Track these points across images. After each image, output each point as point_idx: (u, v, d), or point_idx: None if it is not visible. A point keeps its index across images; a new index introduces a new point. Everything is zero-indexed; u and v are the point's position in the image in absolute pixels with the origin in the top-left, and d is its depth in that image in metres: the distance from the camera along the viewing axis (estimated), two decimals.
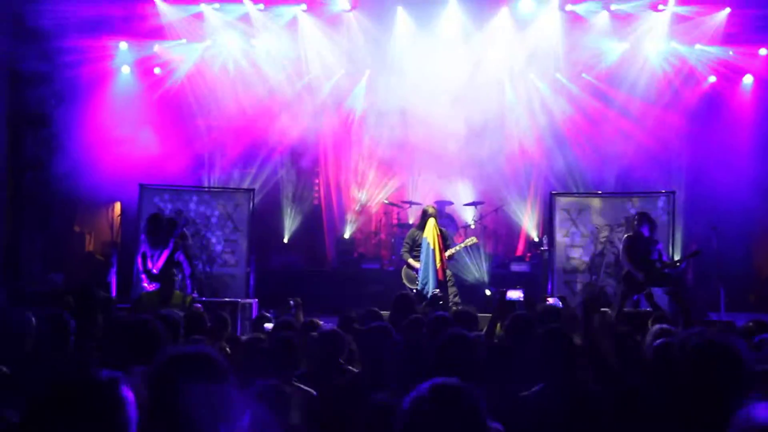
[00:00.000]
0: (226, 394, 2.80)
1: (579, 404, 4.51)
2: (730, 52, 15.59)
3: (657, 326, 6.22)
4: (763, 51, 15.48)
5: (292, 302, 8.02)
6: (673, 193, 13.56)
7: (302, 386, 5.22)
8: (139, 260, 11.54)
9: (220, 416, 2.73)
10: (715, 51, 15.61)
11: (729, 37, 15.28)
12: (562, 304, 8.77)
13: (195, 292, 11.50)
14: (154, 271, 11.17)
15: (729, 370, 3.11)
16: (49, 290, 12.53)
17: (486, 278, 14.53)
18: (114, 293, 12.82)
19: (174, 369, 2.80)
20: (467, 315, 7.00)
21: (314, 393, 5.15)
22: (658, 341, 5.62)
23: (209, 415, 2.70)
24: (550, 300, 9.82)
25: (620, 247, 11.93)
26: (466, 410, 2.56)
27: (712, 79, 15.88)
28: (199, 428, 2.68)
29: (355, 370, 5.82)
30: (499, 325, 7.08)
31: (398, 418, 2.61)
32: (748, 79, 15.87)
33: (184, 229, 11.85)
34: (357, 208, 16.93)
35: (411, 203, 16.07)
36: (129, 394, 2.38)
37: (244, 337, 7.22)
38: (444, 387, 2.59)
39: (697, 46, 15.61)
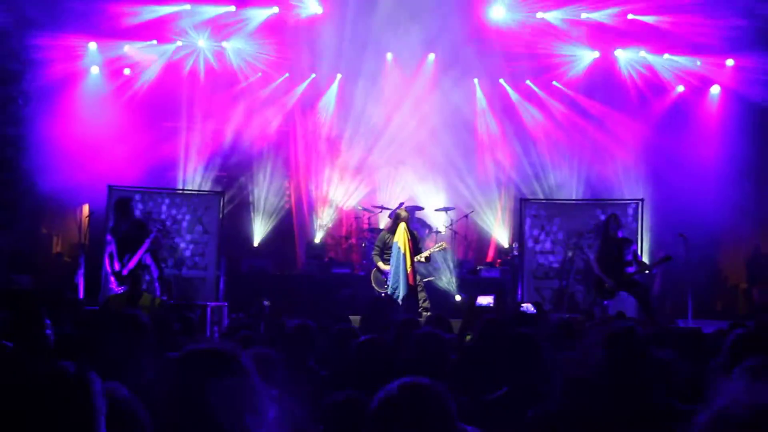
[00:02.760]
0: (250, 388, 2.74)
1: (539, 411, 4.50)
2: (698, 63, 15.78)
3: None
4: (730, 62, 15.68)
5: (266, 302, 7.97)
6: (642, 200, 13.68)
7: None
8: (107, 260, 11.41)
9: (245, 409, 2.69)
10: (683, 61, 15.80)
11: (697, 47, 15.46)
12: (536, 309, 8.77)
13: (164, 294, 11.39)
14: (124, 272, 11.06)
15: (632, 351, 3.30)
16: (15, 291, 12.34)
17: (455, 284, 14.55)
18: (81, 295, 12.66)
19: (197, 365, 2.76)
20: (442, 320, 6.99)
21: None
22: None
23: (234, 410, 2.66)
24: (524, 306, 9.83)
25: (590, 253, 12.02)
26: (436, 410, 2.51)
27: (681, 88, 16.07)
28: (225, 423, 2.63)
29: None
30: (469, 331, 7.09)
31: (367, 416, 2.58)
32: (715, 90, 16.06)
33: (157, 233, 11.73)
34: (327, 217, 16.88)
35: (382, 208, 16.06)
36: (97, 385, 2.35)
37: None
38: (414, 385, 2.55)
39: (666, 56, 15.79)
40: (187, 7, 15.48)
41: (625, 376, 3.56)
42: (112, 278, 11.27)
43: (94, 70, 15.84)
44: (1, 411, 2.24)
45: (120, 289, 10.90)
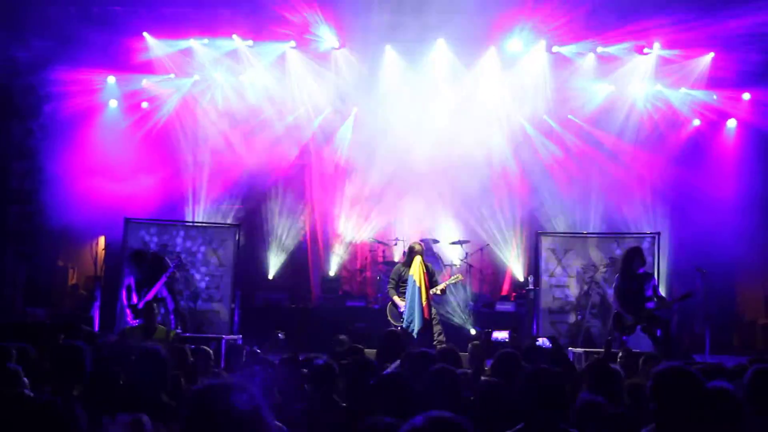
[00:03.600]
0: (260, 422, 2.79)
1: None
2: (714, 96, 15.77)
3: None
4: (746, 95, 15.67)
5: (281, 335, 7.93)
6: (659, 234, 13.59)
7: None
8: (124, 294, 11.45)
9: None
10: (699, 95, 15.80)
11: (713, 81, 15.46)
12: (552, 344, 8.71)
13: (179, 327, 11.41)
14: (140, 305, 11.09)
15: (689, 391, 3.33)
16: (29, 323, 12.36)
17: (470, 318, 14.50)
18: (97, 328, 12.69)
19: (213, 398, 2.79)
20: (450, 353, 6.94)
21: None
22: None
23: None
24: (540, 341, 9.75)
25: (609, 288, 11.92)
26: None
27: (697, 122, 16.04)
28: None
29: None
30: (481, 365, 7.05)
31: None
32: (731, 123, 16.03)
33: (174, 267, 11.79)
34: (342, 251, 16.87)
35: (397, 240, 16.05)
36: (80, 413, 2.50)
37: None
38: (440, 419, 2.57)
39: (682, 90, 15.79)
40: (205, 41, 15.60)
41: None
42: (128, 311, 11.31)
43: (113, 103, 15.99)
44: None
45: (135, 322, 10.94)
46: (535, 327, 13.27)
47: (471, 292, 15.26)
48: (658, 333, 11.01)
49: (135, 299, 11.38)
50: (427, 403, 4.55)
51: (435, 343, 11.30)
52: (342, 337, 9.66)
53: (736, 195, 15.11)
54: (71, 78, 15.00)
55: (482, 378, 6.82)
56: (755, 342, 15.16)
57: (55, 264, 15.93)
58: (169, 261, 11.93)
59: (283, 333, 8.19)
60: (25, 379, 5.09)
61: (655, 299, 11.23)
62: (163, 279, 11.42)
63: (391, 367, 6.51)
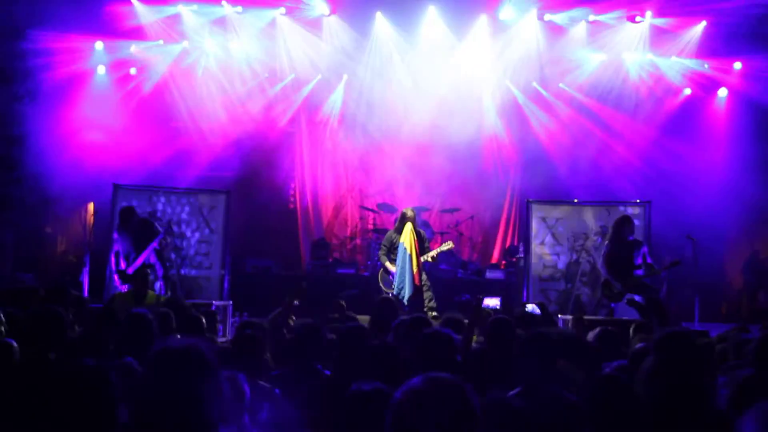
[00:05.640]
0: (216, 387, 2.86)
1: (555, 410, 4.47)
2: (706, 65, 15.74)
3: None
4: (737, 65, 15.65)
5: (296, 303, 7.87)
6: (649, 202, 13.60)
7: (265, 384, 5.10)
8: (113, 259, 11.42)
9: (212, 408, 2.82)
10: (690, 63, 15.76)
11: (705, 50, 15.43)
12: (541, 311, 8.73)
13: (168, 292, 11.39)
14: (129, 271, 11.07)
15: (692, 355, 3.32)
16: (19, 288, 12.31)
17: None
18: (86, 293, 12.64)
19: (168, 363, 2.86)
20: (455, 321, 6.94)
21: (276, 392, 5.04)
22: (638, 345, 5.66)
23: (201, 407, 2.79)
24: (529, 307, 9.77)
25: (599, 255, 11.94)
26: (462, 403, 2.52)
27: (688, 91, 16.03)
28: (192, 419, 2.76)
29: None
30: (476, 332, 7.05)
31: (391, 408, 2.56)
32: (722, 92, 16.01)
33: (164, 233, 11.76)
34: (332, 214, 16.85)
35: (386, 206, 16.04)
36: (114, 378, 2.65)
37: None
38: (439, 380, 2.56)
39: (674, 58, 15.75)
40: (194, 7, 15.44)
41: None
42: (116, 276, 11.29)
43: (101, 69, 15.81)
44: (34, 407, 2.56)
45: (124, 288, 10.93)
46: (525, 294, 13.30)
47: (461, 260, 15.27)
48: (640, 299, 11.02)
49: (123, 265, 11.36)
50: (421, 367, 4.56)
51: (425, 309, 11.34)
52: (342, 302, 9.67)
53: (727, 164, 15.14)
54: (58, 43, 14.80)
55: (474, 344, 6.84)
56: (741, 310, 15.27)
57: (43, 231, 15.84)
58: (158, 227, 11.88)
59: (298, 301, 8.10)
60: (14, 343, 5.06)
61: (644, 267, 11.25)
62: (153, 245, 11.39)
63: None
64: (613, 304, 11.65)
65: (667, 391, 3.74)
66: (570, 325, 9.31)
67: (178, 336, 5.55)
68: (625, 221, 11.45)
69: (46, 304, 5.60)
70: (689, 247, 12.40)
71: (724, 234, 15.13)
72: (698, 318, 12.12)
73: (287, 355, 6.13)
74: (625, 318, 10.89)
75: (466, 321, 6.82)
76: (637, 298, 10.93)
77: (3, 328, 5.64)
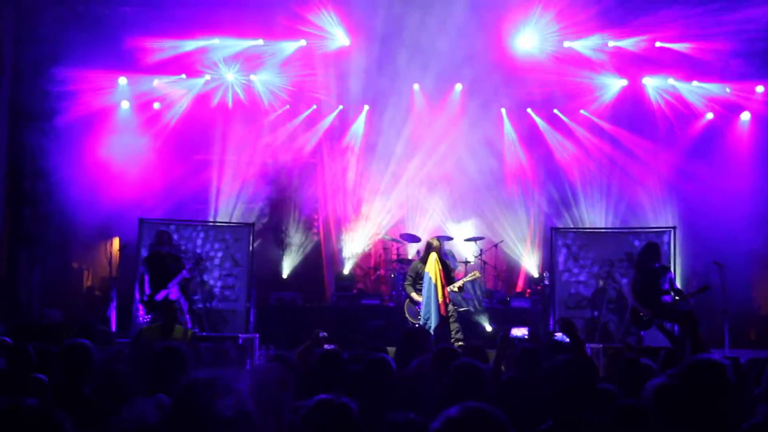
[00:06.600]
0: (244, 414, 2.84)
1: None
2: (728, 89, 15.69)
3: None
4: (760, 88, 15.58)
5: (322, 333, 7.86)
6: (674, 228, 13.53)
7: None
8: (137, 286, 11.46)
9: None
10: (712, 88, 15.71)
11: (726, 74, 15.38)
12: (565, 328, 8.58)
13: (195, 326, 11.41)
14: (158, 297, 11.06)
15: (720, 384, 3.31)
16: (47, 325, 12.39)
17: (485, 314, 14.44)
18: (114, 328, 12.69)
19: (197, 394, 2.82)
20: (478, 351, 6.90)
21: None
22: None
23: None
24: (558, 335, 9.67)
25: (624, 282, 11.86)
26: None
27: (710, 115, 15.95)
28: None
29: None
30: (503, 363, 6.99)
31: None
32: (745, 116, 15.93)
33: (191, 270, 11.80)
34: (356, 249, 16.83)
35: (410, 237, 16.02)
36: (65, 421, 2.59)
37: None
38: (476, 410, 2.56)
39: (695, 83, 15.71)
40: (216, 41, 15.61)
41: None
42: (140, 307, 11.30)
43: (125, 104, 15.98)
44: None
45: (147, 318, 10.92)
46: (551, 323, 13.21)
47: (486, 289, 15.20)
48: (673, 327, 10.91)
49: (148, 291, 11.35)
50: (451, 398, 4.52)
51: (452, 340, 11.26)
52: (324, 334, 9.48)
53: (752, 188, 15.03)
54: (82, 80, 15.00)
55: (503, 372, 6.78)
56: None
57: (69, 266, 15.95)
58: (185, 261, 11.92)
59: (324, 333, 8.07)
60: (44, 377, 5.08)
61: (672, 293, 11.15)
62: (178, 278, 11.41)
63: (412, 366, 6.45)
64: (642, 333, 11.53)
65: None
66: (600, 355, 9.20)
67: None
68: (651, 248, 11.38)
69: (75, 339, 5.60)
70: (716, 273, 12.28)
71: (751, 259, 14.97)
72: (728, 344, 11.98)
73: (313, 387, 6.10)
74: (653, 346, 10.76)
75: (487, 350, 6.78)
76: (666, 324, 10.83)
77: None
